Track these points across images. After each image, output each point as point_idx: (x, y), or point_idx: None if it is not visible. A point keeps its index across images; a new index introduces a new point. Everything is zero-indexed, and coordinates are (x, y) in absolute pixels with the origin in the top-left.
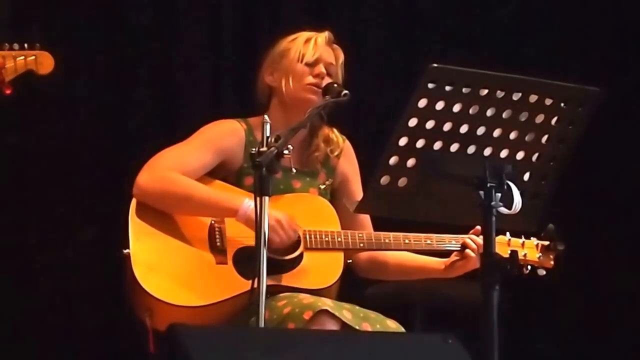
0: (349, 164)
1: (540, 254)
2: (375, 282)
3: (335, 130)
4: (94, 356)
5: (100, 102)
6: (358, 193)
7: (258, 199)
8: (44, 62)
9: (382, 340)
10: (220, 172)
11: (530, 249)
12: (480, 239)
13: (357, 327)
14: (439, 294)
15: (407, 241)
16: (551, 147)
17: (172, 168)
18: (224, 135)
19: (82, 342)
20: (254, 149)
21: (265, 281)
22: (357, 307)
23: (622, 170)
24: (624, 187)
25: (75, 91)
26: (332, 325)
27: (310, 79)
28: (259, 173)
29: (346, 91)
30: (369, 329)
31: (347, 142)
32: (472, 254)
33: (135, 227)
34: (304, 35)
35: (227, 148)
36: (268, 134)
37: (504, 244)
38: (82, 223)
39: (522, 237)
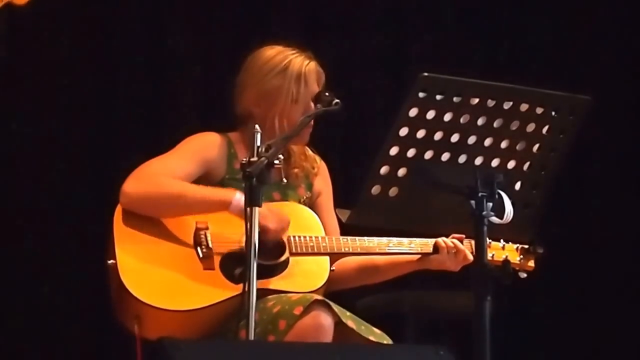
0: (323, 184)
1: (521, 257)
2: (363, 292)
3: (308, 149)
4: None
5: (85, 110)
6: (328, 206)
7: (248, 209)
8: None
9: (372, 352)
10: (203, 183)
11: (511, 252)
12: (455, 242)
13: (343, 320)
14: (430, 305)
15: (390, 245)
16: (542, 156)
17: (159, 174)
18: (207, 147)
19: (68, 351)
20: (244, 159)
21: (255, 289)
22: (343, 309)
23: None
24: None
25: (60, 96)
26: (325, 314)
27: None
28: (249, 183)
29: (337, 100)
30: (354, 326)
31: (322, 162)
32: (445, 252)
33: (120, 235)
34: (291, 66)
35: (211, 159)
36: (259, 144)
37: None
38: (66, 232)
39: (502, 240)
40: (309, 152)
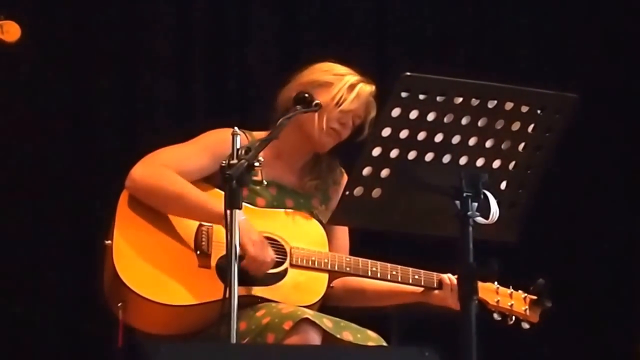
0: None
1: (527, 307)
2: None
3: (337, 162)
4: (61, 347)
5: (68, 108)
6: None
7: (228, 212)
8: (10, 30)
9: (358, 354)
10: (218, 179)
11: (517, 301)
12: None
13: (338, 336)
14: (415, 305)
15: (394, 272)
16: (528, 155)
17: (169, 165)
18: (223, 143)
19: (48, 332)
20: (224, 162)
21: (237, 295)
22: (337, 318)
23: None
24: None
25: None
26: (313, 334)
27: (335, 124)
28: (229, 186)
29: (317, 101)
30: (350, 338)
31: (345, 175)
32: (448, 290)
33: (122, 218)
34: (350, 77)
35: (225, 156)
36: (238, 147)
37: (492, 292)
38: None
39: (511, 287)
40: (338, 166)
